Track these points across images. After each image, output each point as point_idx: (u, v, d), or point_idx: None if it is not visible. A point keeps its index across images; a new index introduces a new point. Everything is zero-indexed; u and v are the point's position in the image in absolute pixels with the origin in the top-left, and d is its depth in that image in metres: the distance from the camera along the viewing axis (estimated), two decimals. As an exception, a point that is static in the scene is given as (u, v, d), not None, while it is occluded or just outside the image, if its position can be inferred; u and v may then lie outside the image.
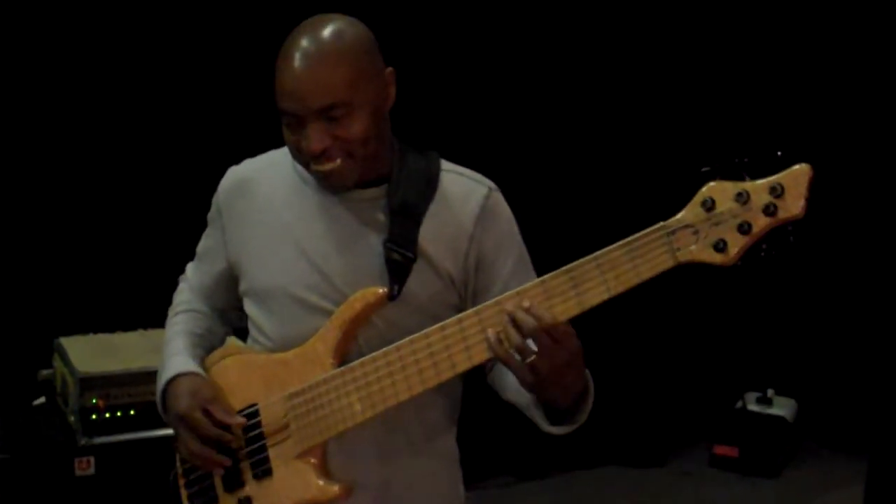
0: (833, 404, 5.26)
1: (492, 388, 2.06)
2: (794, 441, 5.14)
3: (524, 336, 1.72)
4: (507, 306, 1.75)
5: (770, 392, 5.17)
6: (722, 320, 5.24)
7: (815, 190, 1.62)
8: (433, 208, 1.95)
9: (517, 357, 1.74)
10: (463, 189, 1.98)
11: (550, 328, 1.71)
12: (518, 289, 1.78)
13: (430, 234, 1.94)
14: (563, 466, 4.89)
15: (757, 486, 4.89)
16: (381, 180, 1.96)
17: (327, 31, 1.87)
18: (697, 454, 5.13)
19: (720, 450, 5.06)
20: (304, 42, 1.86)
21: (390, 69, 1.94)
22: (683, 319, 5.14)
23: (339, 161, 1.88)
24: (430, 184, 1.97)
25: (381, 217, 1.95)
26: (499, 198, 2.01)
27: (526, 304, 1.73)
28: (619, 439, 5.00)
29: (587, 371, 1.84)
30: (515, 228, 2.03)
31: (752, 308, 5.21)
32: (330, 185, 1.93)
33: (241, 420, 1.97)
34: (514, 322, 1.73)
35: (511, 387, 1.94)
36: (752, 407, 5.13)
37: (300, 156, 1.91)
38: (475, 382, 2.05)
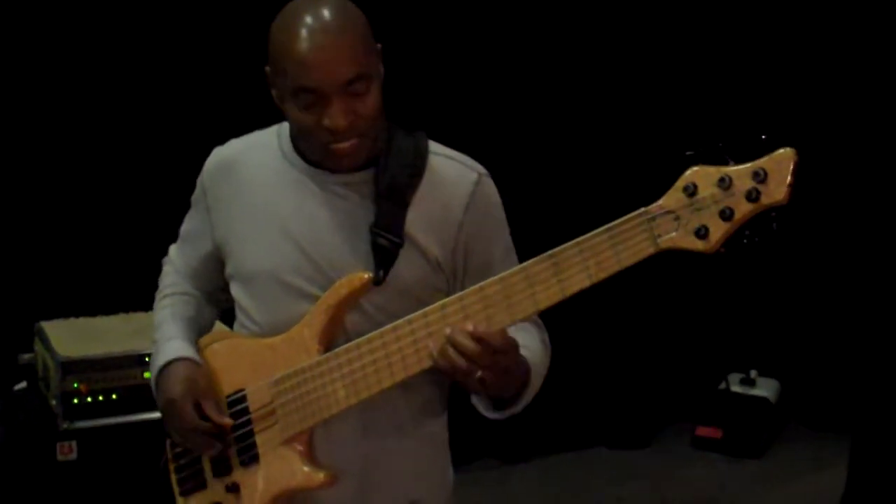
0: (816, 385, 5.27)
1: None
2: (777, 422, 5.15)
3: (467, 359, 1.74)
4: (475, 306, 1.77)
5: (753, 373, 5.18)
6: (705, 301, 5.24)
7: (800, 174, 1.59)
8: (421, 192, 1.94)
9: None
10: (453, 174, 1.97)
11: (491, 344, 1.74)
12: (501, 275, 1.78)
13: (418, 218, 1.93)
14: (548, 449, 4.89)
15: (740, 466, 4.89)
16: (370, 162, 1.95)
17: (330, 6, 1.85)
18: (681, 435, 5.12)
19: (704, 431, 5.05)
20: (313, 18, 1.83)
21: (378, 45, 1.93)
22: (666, 301, 5.14)
23: (355, 140, 1.87)
24: (418, 166, 1.95)
25: (369, 200, 1.93)
26: (489, 184, 2.00)
27: (469, 327, 1.74)
28: (603, 421, 5.00)
29: (523, 358, 1.86)
30: (503, 215, 2.03)
31: (734, 289, 5.21)
32: (344, 164, 1.91)
33: (228, 420, 1.98)
34: (456, 347, 1.75)
35: None
36: (736, 388, 5.14)
37: (318, 136, 1.88)
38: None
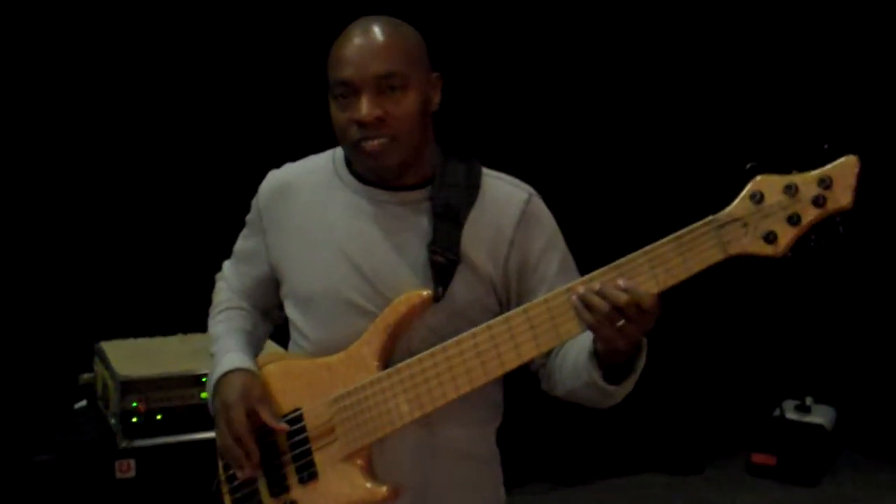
0: (872, 412, 5.22)
1: (536, 392, 2.06)
2: (832, 449, 5.10)
3: (612, 308, 1.72)
4: (540, 317, 1.78)
5: (809, 400, 5.13)
6: (760, 327, 5.21)
7: (860, 185, 1.64)
8: (474, 213, 1.96)
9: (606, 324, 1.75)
10: (503, 194, 1.99)
11: (640, 295, 1.72)
12: (567, 286, 1.78)
13: (472, 238, 1.95)
14: (601, 473, 4.88)
15: (795, 494, 4.85)
16: (424, 183, 1.98)
17: (385, 20, 1.94)
18: (735, 462, 5.10)
19: (758, 458, 5.02)
20: (365, 24, 1.93)
21: (437, 74, 1.98)
22: (721, 326, 5.11)
23: (384, 140, 1.89)
24: (472, 188, 1.98)
25: (424, 220, 1.96)
26: (539, 203, 2.02)
27: (621, 283, 1.73)
28: (656, 446, 4.98)
29: None
30: (558, 232, 2.04)
31: (790, 315, 5.18)
32: (372, 166, 1.94)
33: (284, 426, 1.98)
34: (605, 296, 1.73)
35: (566, 376, 1.93)
36: (791, 415, 5.09)
37: (349, 134, 1.91)
38: (514, 388, 2.05)
